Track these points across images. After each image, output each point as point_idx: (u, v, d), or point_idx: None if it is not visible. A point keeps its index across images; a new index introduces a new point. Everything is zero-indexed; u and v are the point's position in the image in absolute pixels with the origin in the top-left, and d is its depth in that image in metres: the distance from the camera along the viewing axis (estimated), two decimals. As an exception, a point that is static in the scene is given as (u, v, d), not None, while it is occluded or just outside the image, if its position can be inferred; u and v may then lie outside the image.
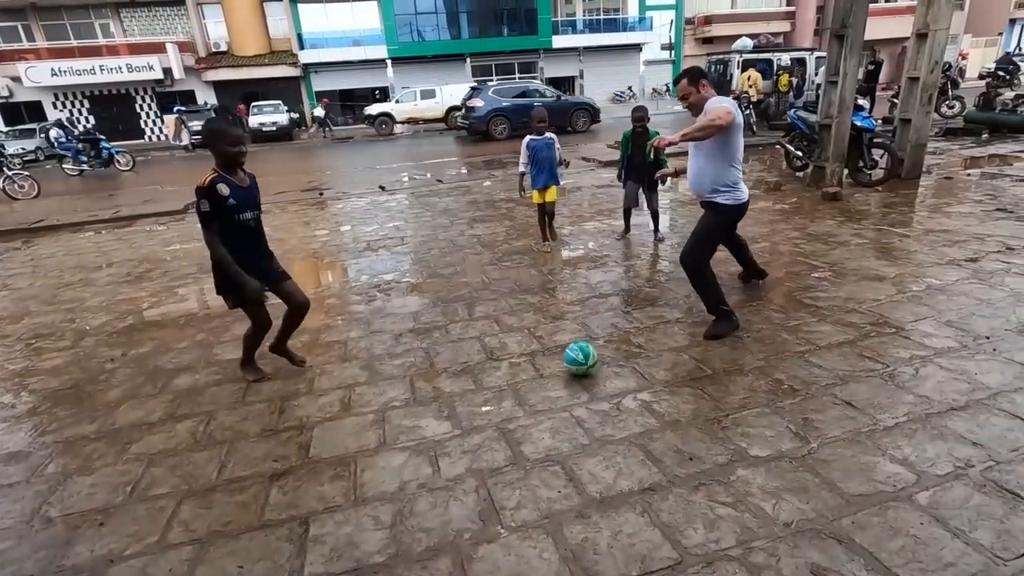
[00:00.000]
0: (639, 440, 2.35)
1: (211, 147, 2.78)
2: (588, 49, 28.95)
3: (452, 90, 21.91)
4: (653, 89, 29.23)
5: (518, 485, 2.13)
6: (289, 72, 25.85)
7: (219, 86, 25.41)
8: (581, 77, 29.18)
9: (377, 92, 26.93)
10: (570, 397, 2.73)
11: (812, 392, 2.61)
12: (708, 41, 30.90)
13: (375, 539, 1.92)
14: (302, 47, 25.72)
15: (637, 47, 30.01)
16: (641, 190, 5.28)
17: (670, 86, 30.63)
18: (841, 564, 1.68)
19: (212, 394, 3.04)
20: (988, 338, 2.99)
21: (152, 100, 25.63)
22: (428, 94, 21.76)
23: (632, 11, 30.74)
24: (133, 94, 25.37)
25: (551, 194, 5.07)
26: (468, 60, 27.51)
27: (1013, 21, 36.61)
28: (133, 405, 2.98)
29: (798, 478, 2.06)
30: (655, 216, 5.40)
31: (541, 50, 28.27)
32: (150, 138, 26.07)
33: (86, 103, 25.04)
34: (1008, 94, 11.77)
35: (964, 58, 15.55)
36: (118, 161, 15.30)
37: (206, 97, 24.95)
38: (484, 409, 2.67)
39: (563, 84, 29.01)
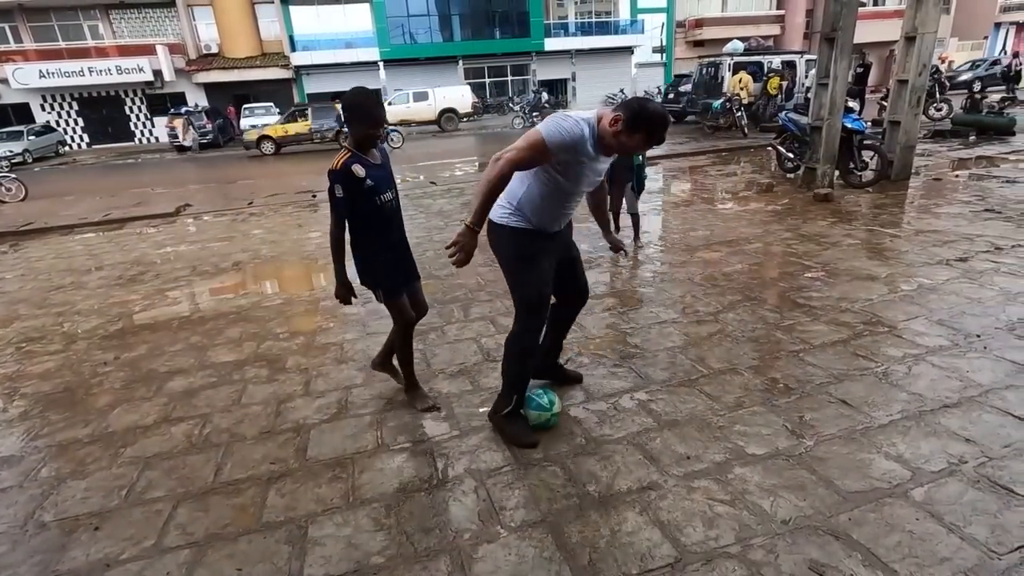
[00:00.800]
0: (637, 439, 2.36)
1: (352, 122, 2.42)
2: (580, 52, 29.03)
3: (445, 92, 21.92)
4: (645, 92, 29.34)
5: (517, 485, 2.13)
6: (281, 74, 25.72)
7: (210, 88, 25.25)
8: (574, 79, 29.27)
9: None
10: (567, 398, 2.73)
11: (807, 391, 2.63)
12: (699, 44, 31.09)
13: (375, 540, 1.91)
14: (294, 49, 25.60)
15: (629, 50, 30.14)
16: (626, 193, 5.18)
17: (661, 88, 30.83)
18: (839, 560, 1.70)
19: (207, 397, 3.02)
20: (979, 336, 3.03)
21: (142, 102, 25.43)
22: (421, 96, 21.74)
23: (624, 14, 30.89)
24: (123, 96, 25.16)
25: None
26: (460, 62, 27.52)
27: (998, 25, 37.16)
28: (127, 408, 2.95)
29: (795, 476, 2.07)
30: (636, 219, 5.38)
31: (534, 52, 28.33)
32: (140, 140, 25.88)
33: (75, 105, 24.82)
34: (994, 96, 11.94)
35: (943, 61, 15.71)
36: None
37: (197, 99, 24.77)
38: (482, 410, 2.67)
39: (556, 86, 29.15)
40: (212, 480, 2.30)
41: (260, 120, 21.25)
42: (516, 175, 2.21)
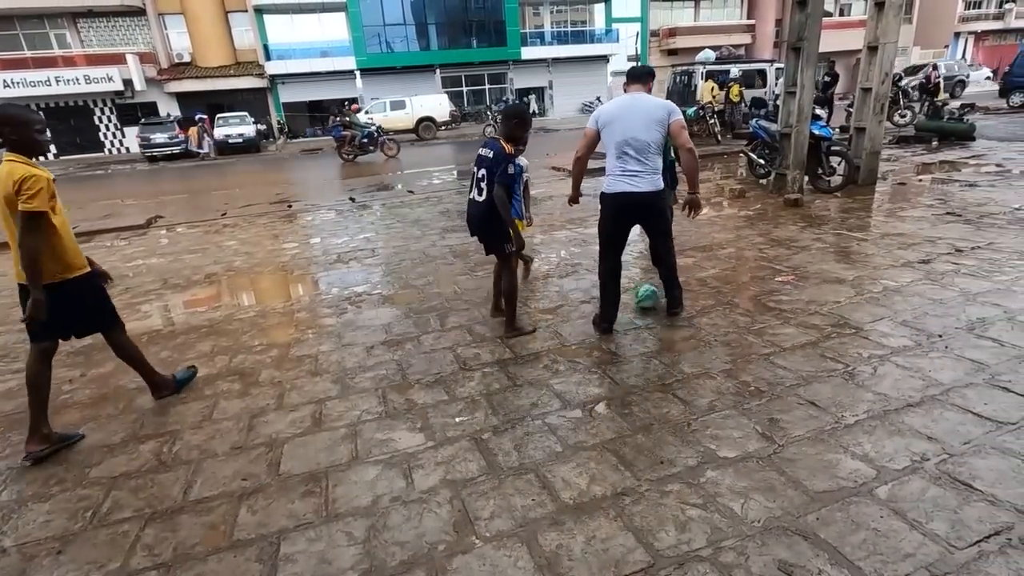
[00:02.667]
0: (612, 445, 2.38)
1: (517, 129, 3.38)
2: (557, 60, 29.36)
3: (422, 101, 21.96)
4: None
5: (492, 495, 2.13)
6: (256, 83, 25.50)
7: (183, 97, 24.89)
8: (550, 88, 29.56)
9: (346, 103, 26.76)
10: (543, 405, 2.74)
11: (777, 393, 2.69)
12: (673, 53, 31.69)
13: (348, 555, 1.89)
14: (268, 58, 25.40)
15: (604, 58, 30.56)
16: None
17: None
18: (807, 560, 1.73)
19: (177, 413, 2.95)
20: (941, 336, 3.13)
21: (112, 112, 24.92)
22: (398, 105, 21.75)
23: (599, 23, 31.34)
24: (91, 106, 24.63)
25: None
26: (438, 71, 27.59)
27: (957, 34, 38.57)
28: (93, 427, 2.88)
29: (765, 477, 2.11)
30: (670, 211, 5.61)
31: (511, 61, 28.55)
32: (110, 151, 25.33)
33: (41, 115, 24.13)
34: (954, 104, 12.37)
35: (935, 69, 16.23)
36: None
37: (169, 109, 24.39)
38: (457, 420, 2.67)
39: (533, 95, 29.38)
40: (181, 498, 2.25)
41: (234, 130, 21.00)
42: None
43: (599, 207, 3.45)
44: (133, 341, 3.08)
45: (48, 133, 2.80)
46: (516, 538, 1.91)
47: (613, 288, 3.52)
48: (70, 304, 2.66)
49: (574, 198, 3.79)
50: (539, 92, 29.81)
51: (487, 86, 29.50)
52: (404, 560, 1.85)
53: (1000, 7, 39.17)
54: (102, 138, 25.21)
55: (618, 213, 3.39)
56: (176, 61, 25.24)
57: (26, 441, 2.62)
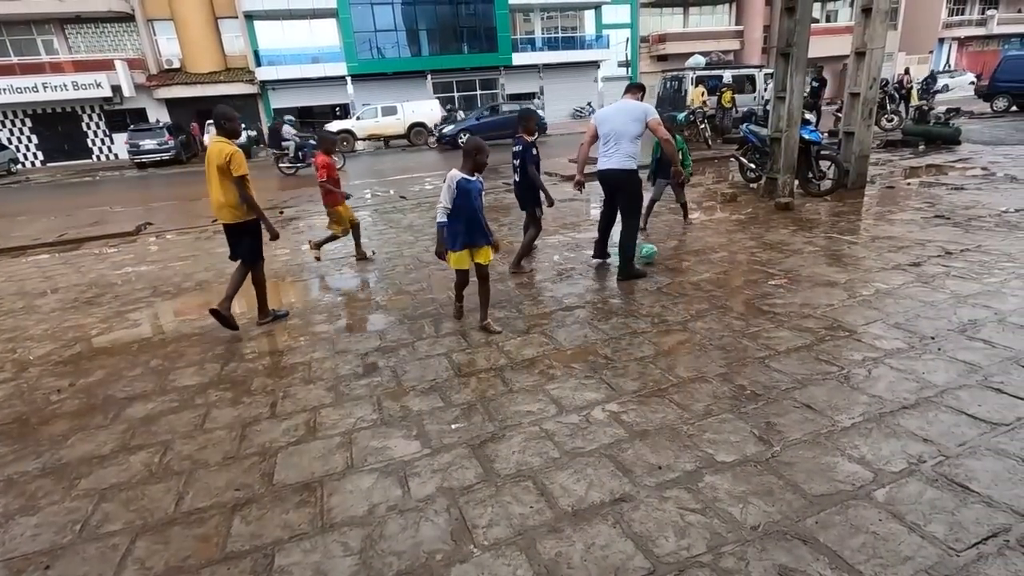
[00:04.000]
0: (609, 451, 2.37)
1: (530, 122, 4.93)
2: (548, 66, 29.47)
3: (414, 107, 21.94)
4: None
5: (490, 502, 2.11)
6: (246, 89, 25.37)
7: (172, 104, 24.71)
8: (541, 93, 29.63)
9: (337, 109, 26.72)
10: (540, 411, 2.73)
11: (773, 396, 2.69)
12: (663, 58, 31.94)
13: (344, 566, 1.86)
14: (259, 64, 25.29)
15: (595, 64, 30.73)
16: (671, 186, 6.16)
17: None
18: (807, 564, 1.72)
19: (168, 423, 2.91)
20: (933, 338, 3.15)
21: (100, 118, 24.70)
22: (389, 111, 21.71)
23: (589, 29, 31.52)
24: (80, 112, 24.40)
25: (486, 256, 3.67)
26: (429, 77, 27.61)
27: (942, 40, 39.18)
28: (82, 438, 2.83)
29: (763, 481, 2.11)
30: (685, 207, 6.43)
31: (502, 67, 28.63)
32: (99, 157, 25.09)
33: (28, 122, 23.95)
34: (940, 108, 12.55)
35: (907, 73, 16.45)
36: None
37: (158, 115, 24.20)
38: (453, 427, 2.65)
39: (524, 100, 29.42)
40: (173, 510, 2.21)
41: (225, 136, 20.83)
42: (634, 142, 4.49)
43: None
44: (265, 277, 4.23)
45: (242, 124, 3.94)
46: (515, 546, 1.89)
47: (604, 232, 4.98)
48: (242, 236, 3.99)
49: (578, 181, 4.86)
50: (530, 97, 29.91)
51: (478, 92, 29.55)
52: (401, 570, 1.83)
53: (982, 14, 39.84)
54: (90, 144, 24.97)
55: (602, 184, 4.73)
56: (165, 67, 25.07)
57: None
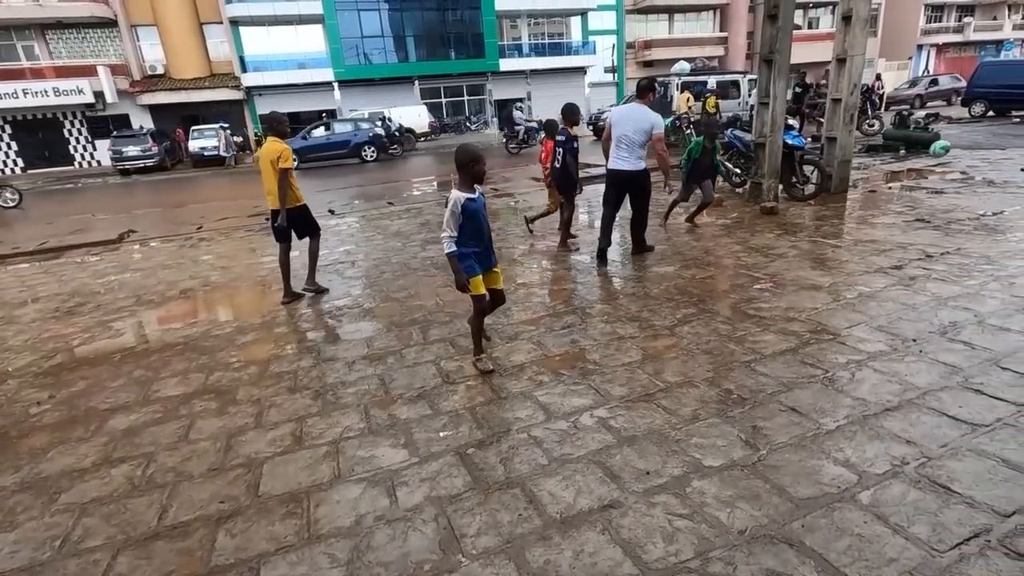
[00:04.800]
0: (597, 457, 2.37)
1: (567, 121, 5.57)
2: (535, 72, 29.62)
3: (401, 112, 21.94)
4: (599, 110, 30.12)
5: (478, 511, 2.10)
6: (232, 95, 25.20)
7: (156, 110, 24.48)
8: (529, 99, 29.76)
9: (324, 115, 26.61)
10: (528, 418, 2.72)
11: (759, 400, 2.71)
12: (649, 64, 32.23)
13: (331, 578, 1.84)
14: (244, 70, 25.15)
15: (582, 70, 30.94)
16: (699, 186, 6.43)
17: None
18: (794, 568, 1.73)
19: (152, 434, 2.87)
20: (915, 341, 3.19)
21: (82, 125, 24.37)
22: (376, 116, 21.65)
23: (576, 36, 31.75)
24: (61, 119, 24.07)
25: (499, 279, 3.34)
26: (416, 83, 27.63)
27: (920, 47, 39.97)
28: (62, 451, 2.77)
29: (750, 485, 2.12)
30: (709, 203, 6.63)
31: (489, 73, 28.73)
32: (81, 164, 24.74)
33: (8, 128, 23.56)
34: (920, 113, 12.79)
35: (878, 79, 16.69)
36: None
37: (142, 121, 23.94)
38: (442, 435, 2.64)
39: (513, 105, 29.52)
40: (156, 524, 2.18)
41: (209, 142, 20.72)
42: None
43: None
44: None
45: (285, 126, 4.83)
46: (503, 555, 1.88)
47: (607, 229, 5.19)
48: (296, 220, 4.78)
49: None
50: (518, 103, 30.04)
51: (466, 97, 29.64)
52: (389, 581, 1.81)
53: (959, 21, 40.74)
54: (72, 151, 24.62)
55: (612, 181, 5.13)
56: (149, 73, 24.83)
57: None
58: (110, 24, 24.10)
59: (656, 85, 5.22)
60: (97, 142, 24.20)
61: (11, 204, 13.05)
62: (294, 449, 2.62)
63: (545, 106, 29.88)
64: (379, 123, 18.48)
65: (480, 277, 3.13)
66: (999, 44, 40.95)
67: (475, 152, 3.03)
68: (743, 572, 1.73)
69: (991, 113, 17.22)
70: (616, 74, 32.31)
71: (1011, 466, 2.10)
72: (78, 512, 2.29)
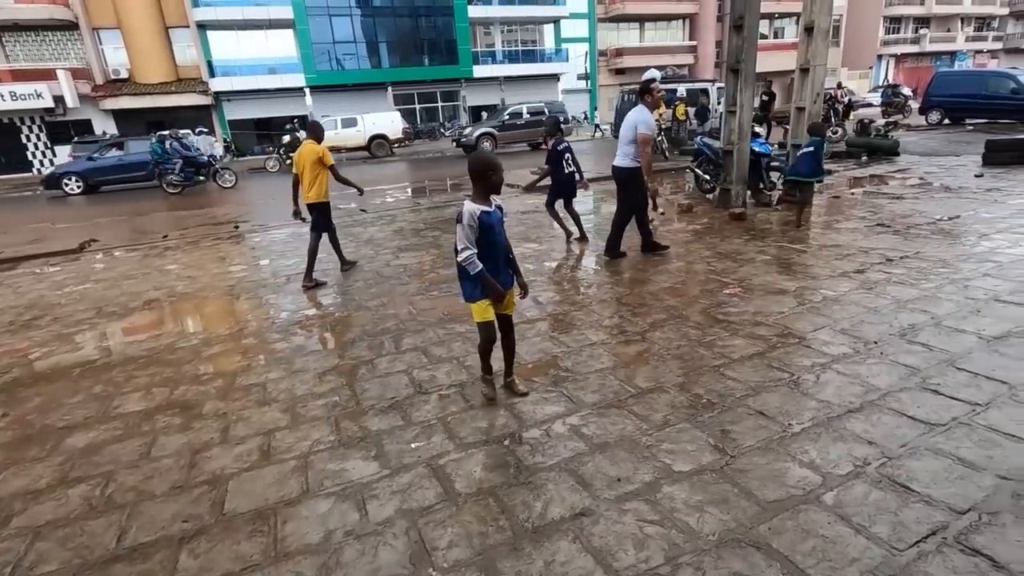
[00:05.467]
0: (569, 465, 2.37)
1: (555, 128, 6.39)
2: (509, 78, 29.77)
3: (374, 118, 21.78)
4: (572, 117, 30.42)
5: (450, 523, 2.08)
6: (199, 100, 24.71)
7: (120, 115, 23.84)
8: (503, 105, 29.88)
9: (296, 121, 26.26)
10: (501, 427, 2.72)
11: (728, 404, 2.75)
12: (620, 72, 32.69)
13: (298, 597, 1.80)
14: (213, 75, 24.70)
15: (555, 77, 31.22)
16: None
17: (588, 113, 32.05)
18: (761, 571, 1.76)
19: (111, 452, 2.77)
20: (876, 343, 3.29)
21: (41, 130, 23.57)
22: (349, 122, 21.47)
23: (549, 43, 32.05)
24: (18, 124, 23.24)
25: (510, 304, 2.96)
26: (390, 88, 27.51)
27: (880, 57, 41.47)
28: (15, 472, 2.66)
29: (719, 490, 2.15)
30: (805, 208, 6.71)
31: (463, 79, 28.77)
32: (40, 171, 23.86)
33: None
34: (879, 121, 13.25)
35: (840, 87, 17.13)
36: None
37: (105, 127, 23.28)
38: (413, 445, 2.61)
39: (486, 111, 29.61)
40: (114, 546, 2.10)
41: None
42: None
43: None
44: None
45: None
46: (474, 567, 1.87)
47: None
48: (324, 213, 5.54)
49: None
50: (492, 109, 30.14)
51: (440, 104, 29.60)
52: (358, 598, 1.78)
53: (916, 32, 42.42)
54: (30, 157, 23.78)
55: (613, 177, 5.54)
56: (112, 77, 24.18)
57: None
58: (71, 27, 23.42)
59: (651, 86, 5.20)
60: (57, 148, 23.39)
61: None
62: (261, 464, 2.56)
63: (519, 112, 29.99)
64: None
65: (485, 303, 2.78)
66: (953, 55, 42.79)
67: (491, 160, 2.69)
68: (712, 577, 1.76)
69: (947, 121, 17.92)
70: (589, 81, 32.70)
71: (966, 464, 2.18)
72: (31, 536, 2.19)
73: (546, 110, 20.57)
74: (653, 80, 5.42)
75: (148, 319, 4.87)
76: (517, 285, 2.93)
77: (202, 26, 24.52)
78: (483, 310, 2.81)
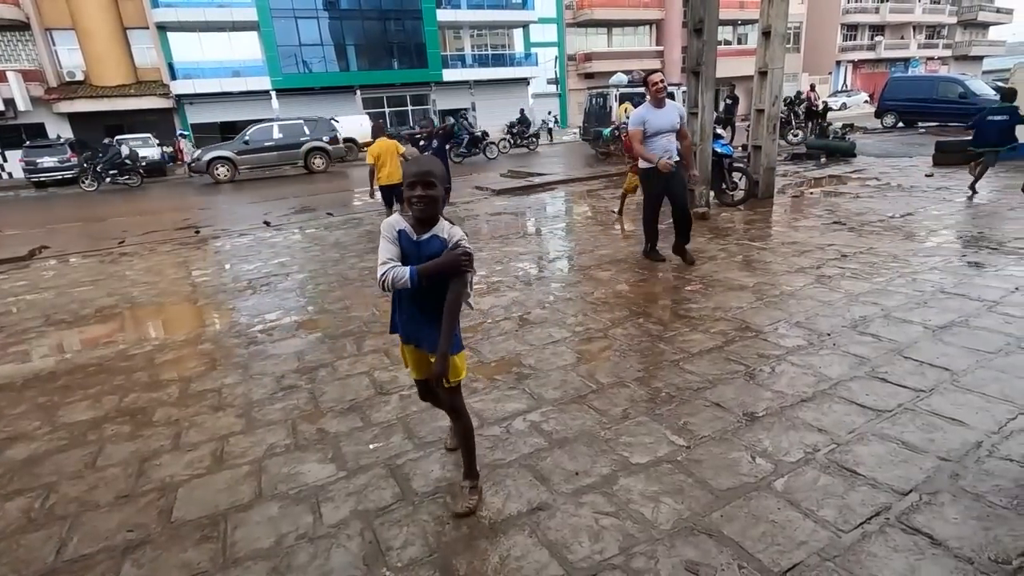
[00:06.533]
0: (528, 461, 2.37)
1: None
2: (479, 82, 29.78)
3: (343, 122, 21.50)
4: (543, 121, 30.60)
5: (406, 522, 2.05)
6: (160, 104, 24.01)
7: (76, 119, 22.97)
8: (473, 109, 29.89)
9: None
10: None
11: (686, 397, 2.79)
12: (589, 76, 33.03)
13: (246, 603, 1.75)
14: (174, 77, 24.03)
15: (525, 81, 31.35)
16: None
17: (558, 118, 32.29)
18: (712, 557, 1.78)
19: (55, 463, 2.65)
20: (829, 335, 3.38)
21: (-10, 134, 22.56)
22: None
23: (518, 47, 32.18)
24: (-34, 128, 22.21)
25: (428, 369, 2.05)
26: (358, 92, 27.21)
27: (839, 63, 42.90)
28: (-52, 487, 2.52)
29: (675, 480, 2.17)
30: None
31: (432, 83, 28.66)
32: (-11, 176, 22.88)
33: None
34: (837, 124, 13.69)
35: (813, 90, 17.50)
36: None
37: (59, 130, 22.38)
38: (372, 447, 2.57)
39: (457, 115, 29.55)
40: (53, 559, 2.01)
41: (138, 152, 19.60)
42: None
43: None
44: None
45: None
46: (429, 565, 1.84)
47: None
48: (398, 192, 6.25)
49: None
50: (463, 112, 30.12)
51: (409, 107, 29.42)
52: (309, 602, 1.74)
53: (872, 39, 44.02)
54: (-21, 163, 22.74)
55: (656, 178, 5.14)
56: (67, 79, 23.31)
57: None
58: (22, 27, 22.50)
59: (645, 83, 4.97)
60: (8, 152, 22.45)
61: None
62: (214, 470, 2.48)
63: (491, 116, 30.10)
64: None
65: (405, 347, 2.10)
66: (907, 61, 44.53)
67: (413, 169, 1.85)
68: (665, 565, 1.77)
69: (901, 124, 18.62)
70: (559, 85, 32.95)
71: (909, 447, 2.25)
72: (-38, 553, 2.08)
73: (306, 129, 17.61)
74: (653, 72, 5.12)
75: (100, 327, 4.69)
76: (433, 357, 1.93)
77: (162, 27, 23.86)
78: (404, 354, 2.14)
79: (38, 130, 22.32)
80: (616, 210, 7.73)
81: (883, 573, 1.67)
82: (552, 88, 32.61)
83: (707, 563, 1.76)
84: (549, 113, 29.17)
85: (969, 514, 1.87)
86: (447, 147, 7.98)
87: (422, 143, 6.58)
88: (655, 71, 4.95)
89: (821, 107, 16.65)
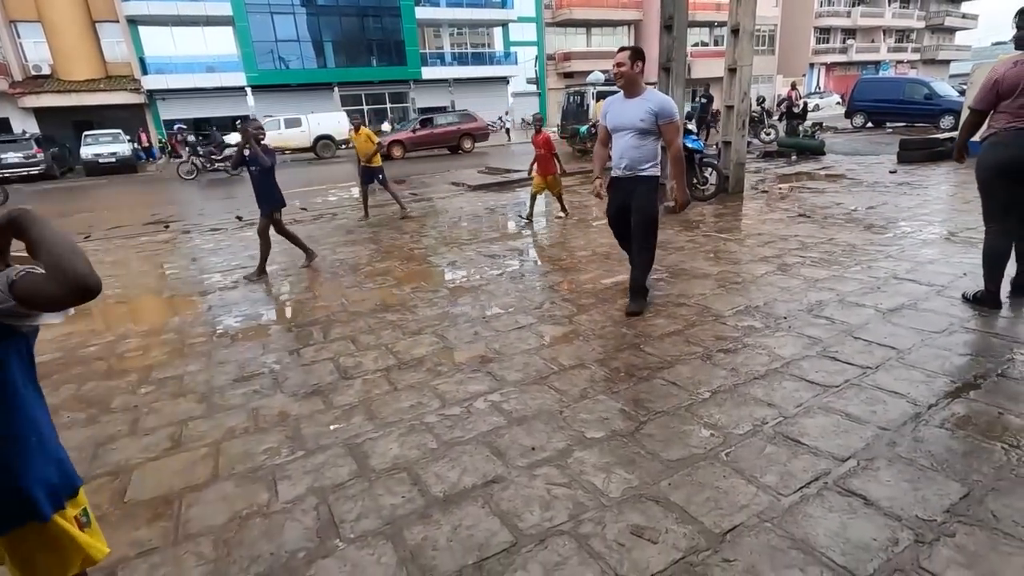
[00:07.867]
0: (486, 438, 2.40)
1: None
2: (458, 81, 29.72)
3: (319, 119, 21.34)
4: (522, 119, 30.67)
5: (361, 497, 2.07)
6: (131, 99, 23.53)
7: (42, 113, 22.40)
8: (453, 107, 29.84)
9: (238, 121, 25.40)
10: (422, 406, 2.72)
11: (644, 376, 2.85)
12: (569, 75, 33.22)
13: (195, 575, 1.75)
14: (145, 72, 23.57)
15: (504, 80, 31.42)
16: None
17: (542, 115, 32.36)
18: (657, 521, 1.84)
19: (6, 449, 2.60)
20: (785, 318, 3.48)
21: (-48, 129, 21.85)
22: (293, 123, 20.95)
23: (498, 46, 32.23)
24: (-74, 122, 21.49)
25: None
26: (336, 89, 26.98)
27: (812, 65, 43.79)
28: None
29: (627, 452, 2.23)
30: None
31: (411, 81, 28.55)
32: (-49, 173, 22.13)
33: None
34: (807, 123, 14.00)
35: (795, 88, 17.65)
36: None
37: (25, 126, 21.78)
38: (332, 427, 2.58)
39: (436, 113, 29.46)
40: None
41: (106, 148, 19.23)
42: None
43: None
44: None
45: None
46: (381, 536, 1.87)
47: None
48: (375, 174, 8.37)
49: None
50: (442, 111, 30.05)
51: (388, 105, 29.27)
52: (260, 573, 1.75)
53: (844, 43, 45.03)
54: (-60, 158, 21.99)
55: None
56: (34, 73, 22.72)
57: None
58: (-15, 19, 21.87)
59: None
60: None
61: None
62: (171, 453, 2.47)
63: (469, 115, 30.03)
64: None
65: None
66: (878, 64, 45.63)
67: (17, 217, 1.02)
68: (611, 529, 1.82)
69: (869, 124, 19.09)
70: (538, 84, 33.06)
71: (852, 419, 2.34)
72: (-95, 536, 2.03)
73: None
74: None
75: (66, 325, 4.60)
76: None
77: (133, 21, 23.37)
78: None
79: (2, 125, 21.74)
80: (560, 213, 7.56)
81: (817, 531, 1.74)
82: (532, 87, 32.72)
83: (652, 526, 1.81)
84: (507, 113, 29.25)
85: (901, 477, 1.96)
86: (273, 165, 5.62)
87: (247, 154, 5.27)
88: (624, 49, 3.63)
89: (802, 107, 16.96)
